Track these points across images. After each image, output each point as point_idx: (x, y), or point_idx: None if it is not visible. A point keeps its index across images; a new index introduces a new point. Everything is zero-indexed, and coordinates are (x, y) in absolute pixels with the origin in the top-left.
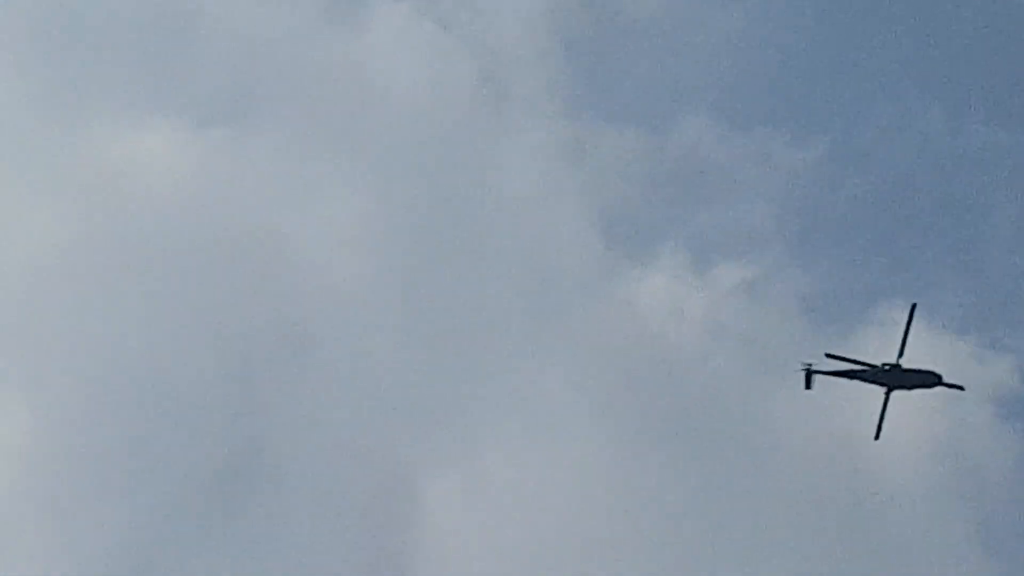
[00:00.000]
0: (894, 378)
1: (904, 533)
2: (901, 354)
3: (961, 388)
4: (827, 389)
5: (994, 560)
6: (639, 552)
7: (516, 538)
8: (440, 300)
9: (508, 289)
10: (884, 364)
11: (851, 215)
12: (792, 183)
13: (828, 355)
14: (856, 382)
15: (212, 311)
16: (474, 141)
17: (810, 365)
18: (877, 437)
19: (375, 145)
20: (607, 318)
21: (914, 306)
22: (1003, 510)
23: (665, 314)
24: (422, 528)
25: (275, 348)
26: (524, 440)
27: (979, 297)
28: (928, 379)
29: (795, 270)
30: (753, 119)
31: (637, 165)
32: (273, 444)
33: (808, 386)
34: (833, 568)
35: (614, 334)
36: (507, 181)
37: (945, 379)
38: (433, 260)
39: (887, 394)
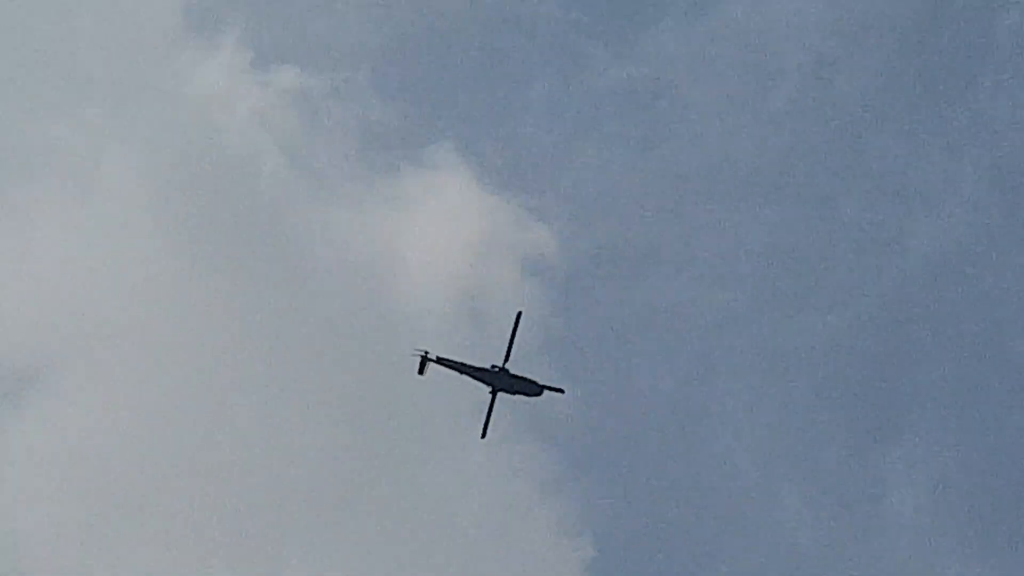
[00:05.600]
0: (500, 381)
1: None
2: (507, 358)
3: (561, 391)
4: None
5: None
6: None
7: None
8: None
9: None
10: (492, 365)
11: None
12: None
13: (440, 359)
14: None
15: None
16: None
17: (426, 352)
18: (483, 436)
19: None
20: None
21: (519, 313)
22: None
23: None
24: None
25: None
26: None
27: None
28: (531, 388)
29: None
30: None
31: None
32: None
33: (421, 371)
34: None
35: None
36: None
37: (544, 384)
38: None
39: (493, 394)
